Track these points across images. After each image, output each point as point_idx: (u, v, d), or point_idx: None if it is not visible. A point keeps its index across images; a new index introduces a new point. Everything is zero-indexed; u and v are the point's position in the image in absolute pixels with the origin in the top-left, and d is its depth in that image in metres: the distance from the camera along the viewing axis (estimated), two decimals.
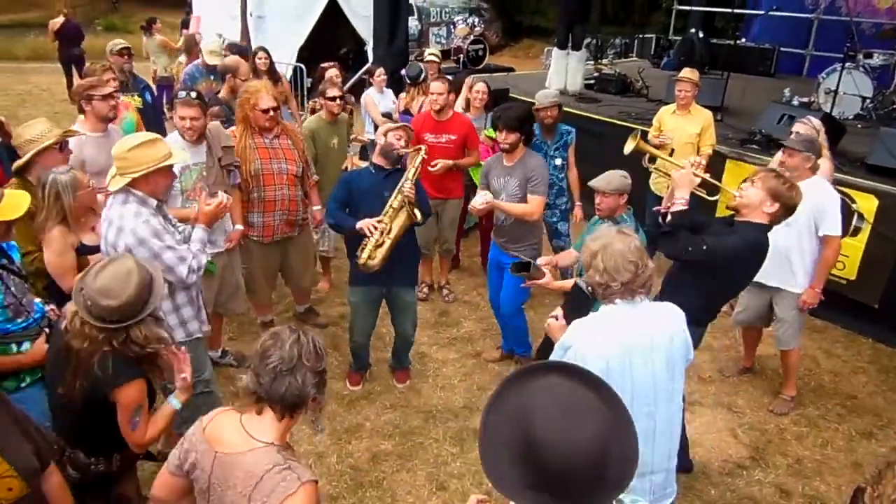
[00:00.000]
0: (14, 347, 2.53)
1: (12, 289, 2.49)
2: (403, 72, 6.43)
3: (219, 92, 5.40)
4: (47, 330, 2.57)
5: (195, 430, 1.88)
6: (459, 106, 5.60)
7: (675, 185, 3.12)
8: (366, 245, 3.69)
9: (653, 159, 3.75)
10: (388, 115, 6.06)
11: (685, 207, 3.02)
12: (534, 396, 1.37)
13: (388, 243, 3.70)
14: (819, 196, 3.80)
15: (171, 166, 2.86)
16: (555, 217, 5.16)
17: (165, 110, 7.71)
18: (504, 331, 4.57)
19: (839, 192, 4.93)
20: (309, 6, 10.45)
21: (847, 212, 5.02)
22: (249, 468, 1.73)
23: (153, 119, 5.61)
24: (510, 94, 8.09)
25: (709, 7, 10.51)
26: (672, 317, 2.33)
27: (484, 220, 5.59)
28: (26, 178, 3.18)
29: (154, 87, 7.70)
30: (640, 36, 12.22)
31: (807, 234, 3.87)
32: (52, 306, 2.69)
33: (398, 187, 3.73)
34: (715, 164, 5.68)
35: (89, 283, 2.12)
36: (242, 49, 6.86)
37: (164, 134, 4.03)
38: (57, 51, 10.67)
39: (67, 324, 2.17)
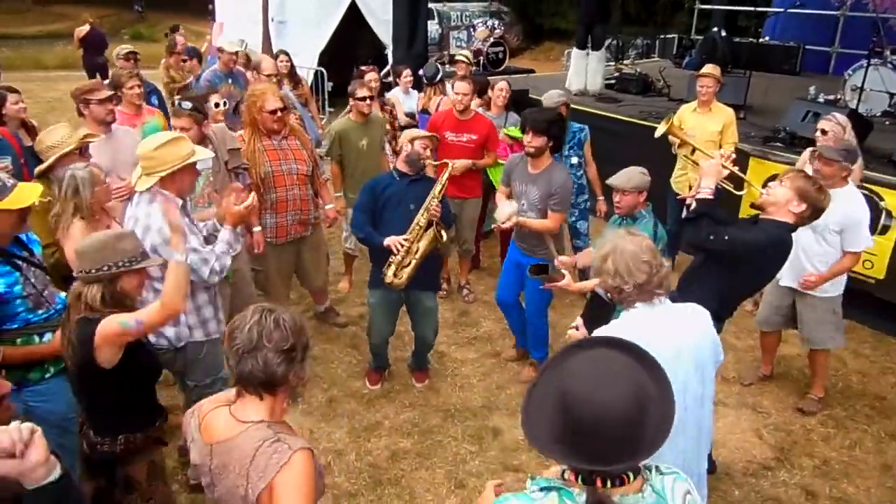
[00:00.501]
0: (36, 339, 2.58)
1: (32, 280, 2.54)
2: (421, 72, 6.45)
3: (239, 95, 5.47)
4: None
5: (191, 429, 1.90)
6: (475, 106, 5.60)
7: (703, 174, 3.07)
8: (391, 263, 3.73)
9: (682, 146, 3.68)
10: (411, 115, 6.09)
11: (710, 197, 2.97)
12: (574, 361, 1.39)
13: (414, 262, 3.74)
14: (849, 208, 3.71)
15: (195, 164, 2.89)
16: (574, 216, 5.13)
17: None
18: (514, 328, 4.54)
19: (867, 190, 4.90)
20: (330, 11, 10.53)
21: (875, 210, 4.94)
22: (242, 449, 1.75)
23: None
24: (530, 95, 8.08)
25: (731, 6, 10.36)
26: (698, 317, 2.27)
27: None
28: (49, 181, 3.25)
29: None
30: (663, 36, 12.15)
31: (832, 243, 3.79)
32: None
33: (425, 205, 3.75)
34: (738, 162, 5.52)
35: (82, 244, 2.27)
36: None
37: None
38: (82, 59, 10.88)
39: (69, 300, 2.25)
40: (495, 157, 5.12)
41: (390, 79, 7.21)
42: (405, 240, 3.70)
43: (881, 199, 4.92)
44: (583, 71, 7.76)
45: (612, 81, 8.29)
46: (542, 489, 1.40)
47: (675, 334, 2.18)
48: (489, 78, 6.14)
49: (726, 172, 3.15)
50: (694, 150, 3.66)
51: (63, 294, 2.71)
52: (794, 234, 3.60)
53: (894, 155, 5.28)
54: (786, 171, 3.15)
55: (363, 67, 6.12)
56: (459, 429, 3.88)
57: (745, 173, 5.70)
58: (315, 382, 4.23)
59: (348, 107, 4.99)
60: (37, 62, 16.73)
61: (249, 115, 4.09)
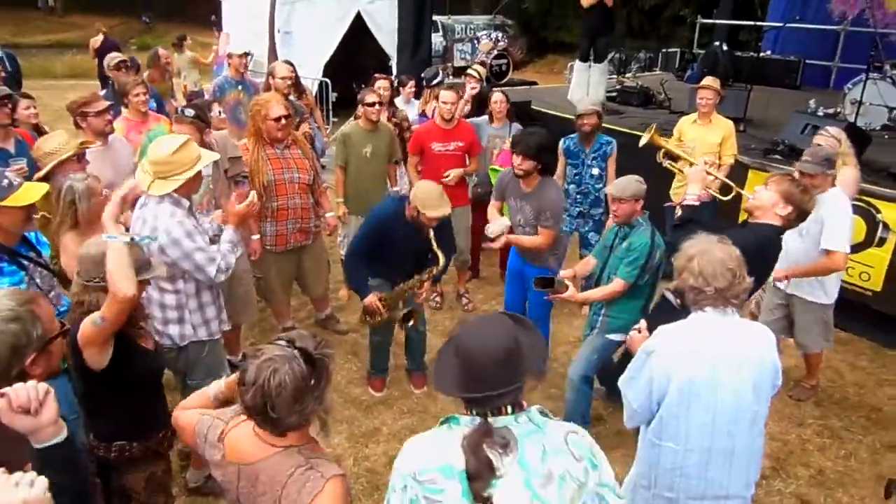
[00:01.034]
0: None
1: (38, 281, 2.60)
2: (422, 74, 6.55)
3: (248, 102, 5.55)
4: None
5: (208, 445, 1.87)
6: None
7: (688, 181, 3.14)
8: (365, 310, 4.02)
9: (667, 155, 3.75)
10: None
11: (696, 202, 3.03)
12: (466, 324, 1.78)
13: (383, 319, 3.99)
14: (834, 206, 3.77)
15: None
16: (587, 227, 5.18)
17: None
18: None
19: (864, 202, 4.94)
20: (335, 22, 10.63)
21: (872, 222, 4.98)
22: (273, 474, 1.73)
23: None
24: (532, 107, 8.15)
25: (732, 20, 10.45)
26: (765, 337, 2.32)
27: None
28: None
29: (184, 100, 7.91)
30: (665, 50, 12.23)
31: (812, 239, 3.83)
32: None
33: (411, 286, 3.90)
34: (738, 174, 5.64)
35: (83, 248, 2.30)
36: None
37: None
38: (97, 67, 11.02)
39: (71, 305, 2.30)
40: (477, 163, 5.23)
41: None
42: (384, 304, 3.92)
43: (878, 211, 4.96)
44: (585, 83, 7.82)
45: (614, 94, 8.37)
46: (441, 423, 1.72)
47: (740, 345, 2.23)
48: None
49: (711, 178, 3.20)
50: (677, 158, 3.71)
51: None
52: (787, 244, 3.65)
53: (892, 168, 5.32)
54: (770, 175, 3.21)
55: (376, 75, 6.18)
56: None
57: (744, 185, 5.78)
58: None
59: (357, 112, 5.07)
60: (45, 71, 16.91)
61: (254, 124, 4.15)
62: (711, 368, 2.18)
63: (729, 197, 3.69)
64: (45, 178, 3.32)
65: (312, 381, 1.67)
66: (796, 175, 3.78)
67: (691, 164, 3.33)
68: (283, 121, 4.10)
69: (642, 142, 3.77)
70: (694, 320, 2.26)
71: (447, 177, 4.90)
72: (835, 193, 3.84)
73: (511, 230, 4.10)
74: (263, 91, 5.71)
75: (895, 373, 4.71)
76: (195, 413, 1.99)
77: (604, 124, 5.16)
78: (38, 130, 4.48)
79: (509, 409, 1.63)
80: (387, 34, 10.72)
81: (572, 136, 5.25)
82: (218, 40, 11.15)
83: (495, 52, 11.58)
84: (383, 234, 3.85)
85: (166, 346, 3.01)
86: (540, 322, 4.35)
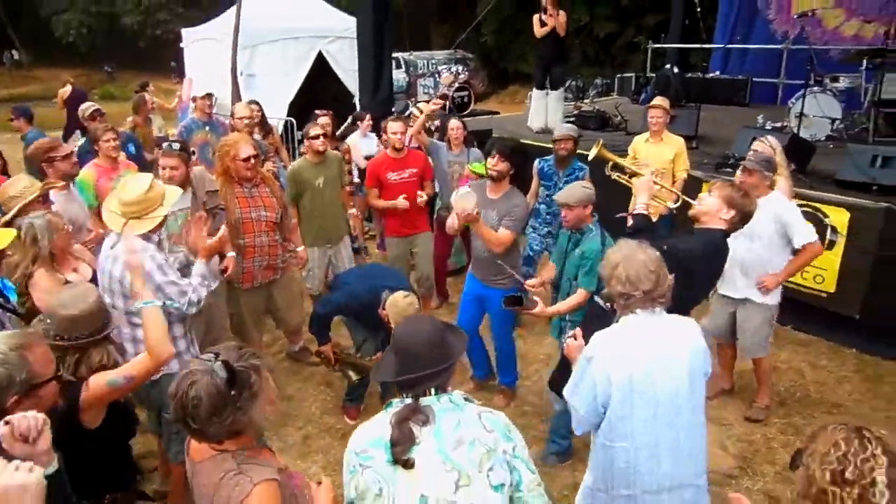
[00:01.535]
0: None
1: (7, 326, 2.62)
2: (393, 109, 6.76)
3: (216, 142, 5.64)
4: None
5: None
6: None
7: (636, 191, 3.29)
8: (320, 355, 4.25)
9: (615, 167, 3.90)
10: (369, 158, 6.33)
11: (645, 212, 3.18)
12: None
13: (333, 369, 4.25)
14: (780, 210, 3.96)
15: None
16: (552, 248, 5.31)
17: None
18: (474, 359, 4.65)
19: (812, 207, 5.18)
20: (298, 63, 10.85)
21: (820, 226, 5.20)
22: (206, 477, 1.80)
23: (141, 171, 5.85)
24: (493, 135, 8.36)
25: (681, 44, 10.89)
26: (691, 329, 2.46)
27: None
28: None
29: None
30: (620, 75, 12.65)
31: (773, 247, 4.00)
32: None
33: (367, 365, 4.06)
34: (692, 188, 5.84)
35: (50, 302, 2.32)
36: None
37: None
38: (66, 118, 11.02)
39: None
40: (433, 187, 5.39)
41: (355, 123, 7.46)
42: (336, 356, 4.16)
43: (825, 216, 5.19)
44: (543, 110, 8.08)
45: (572, 119, 8.62)
46: (384, 409, 1.96)
47: (671, 341, 2.36)
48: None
49: (657, 187, 3.36)
50: (626, 171, 3.87)
51: None
52: (736, 249, 3.83)
53: (836, 175, 5.57)
54: (713, 183, 3.37)
55: (316, 112, 6.50)
56: None
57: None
58: (289, 421, 4.29)
59: (302, 148, 5.22)
60: (6, 125, 16.80)
61: (222, 164, 4.20)
62: (647, 365, 2.30)
63: (677, 204, 3.85)
64: (10, 223, 3.36)
65: (233, 392, 1.70)
66: (738, 177, 3.99)
67: (639, 176, 3.48)
68: (252, 160, 4.17)
69: (591, 156, 3.94)
70: (626, 323, 2.37)
71: (418, 198, 5.06)
72: (777, 196, 4.04)
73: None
74: (231, 132, 5.82)
75: (853, 370, 4.88)
76: None
77: (593, 159, 5.35)
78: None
79: (433, 391, 1.91)
80: (348, 73, 10.96)
81: (548, 158, 5.42)
82: (180, 86, 11.28)
83: (457, 84, 11.89)
84: (352, 310, 4.11)
85: None
86: (505, 338, 4.46)
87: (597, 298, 3.12)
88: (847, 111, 7.40)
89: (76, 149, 5.18)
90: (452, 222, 4.13)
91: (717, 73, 10.97)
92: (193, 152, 4.98)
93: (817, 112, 7.10)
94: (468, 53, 19.18)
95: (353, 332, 4.32)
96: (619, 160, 3.87)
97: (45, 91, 12.06)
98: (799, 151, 5.88)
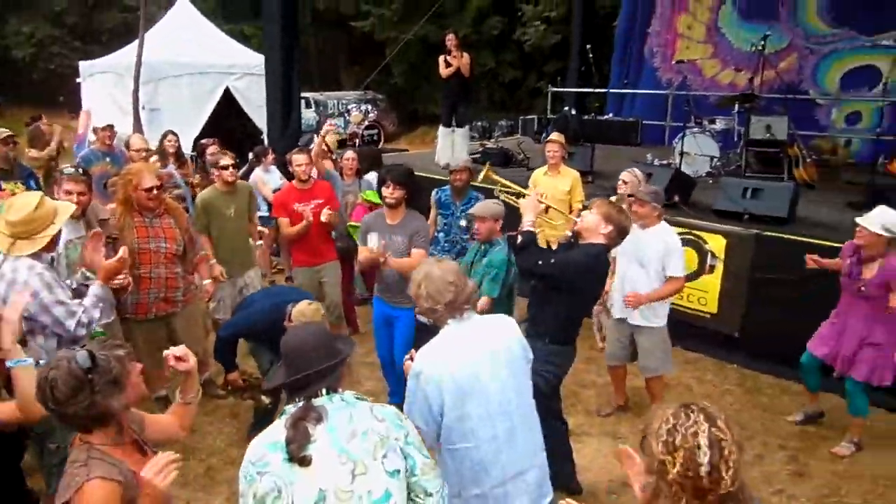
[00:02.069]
0: None
1: None
2: (299, 142, 6.85)
3: (116, 174, 5.49)
4: None
5: None
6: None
7: (523, 211, 3.53)
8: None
9: (503, 189, 4.16)
10: (276, 191, 6.38)
11: (532, 229, 3.41)
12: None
13: (244, 397, 4.24)
14: (668, 238, 4.33)
15: None
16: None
17: None
18: (394, 383, 4.69)
19: (693, 235, 5.64)
20: (204, 98, 10.75)
21: (701, 252, 5.68)
22: (67, 464, 1.92)
23: None
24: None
25: (578, 89, 11.62)
26: (503, 323, 2.64)
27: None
28: None
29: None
30: (523, 117, 13.28)
31: (658, 275, 4.33)
32: None
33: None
34: None
35: None
36: None
37: None
38: None
39: None
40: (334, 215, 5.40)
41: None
42: (245, 383, 4.13)
43: (705, 242, 5.67)
44: (449, 146, 8.38)
45: (477, 155, 8.97)
46: (281, 416, 2.00)
47: (487, 340, 2.52)
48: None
49: (543, 206, 3.62)
50: (514, 194, 4.15)
51: None
52: (623, 270, 4.13)
53: (713, 205, 6.11)
54: (592, 201, 3.67)
55: (202, 142, 6.64)
56: None
57: None
58: (193, 454, 4.16)
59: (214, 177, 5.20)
60: None
61: (124, 193, 4.11)
62: (471, 366, 2.44)
63: (560, 222, 4.13)
64: None
65: (91, 377, 1.85)
66: (624, 203, 4.33)
67: (524, 196, 3.73)
68: (155, 191, 4.10)
69: (479, 178, 4.22)
70: (442, 333, 2.52)
71: (324, 216, 5.12)
72: (666, 227, 4.41)
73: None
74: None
75: (735, 383, 5.30)
76: None
77: (482, 182, 5.59)
78: None
79: (324, 391, 1.97)
80: (256, 109, 10.96)
81: (445, 188, 5.63)
82: (72, 121, 10.87)
83: (366, 122, 12.09)
84: (257, 331, 4.05)
85: None
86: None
87: (419, 317, 3.27)
88: (723, 150, 8.13)
89: None
90: (364, 260, 4.26)
91: (611, 115, 11.74)
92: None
93: (697, 150, 7.77)
94: (378, 94, 19.55)
95: (260, 359, 4.28)
96: (506, 182, 4.14)
97: None
98: (681, 185, 6.42)
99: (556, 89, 12.63)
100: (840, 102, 9.52)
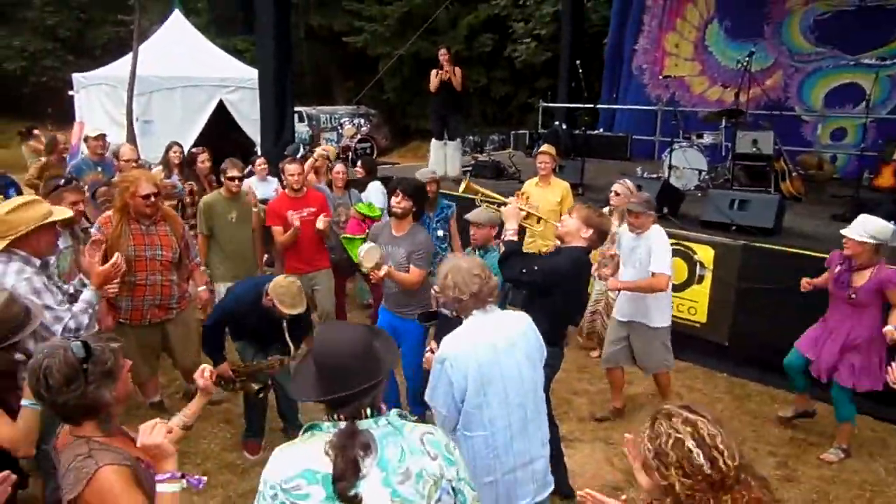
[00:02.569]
0: None
1: None
2: (285, 151, 6.91)
3: (106, 183, 5.53)
4: None
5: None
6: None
7: (504, 219, 3.60)
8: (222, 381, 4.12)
9: (485, 198, 4.21)
10: (264, 202, 6.41)
11: (514, 238, 3.47)
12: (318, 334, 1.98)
13: (237, 389, 4.17)
14: (658, 239, 4.43)
15: (52, 224, 2.98)
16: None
17: None
18: (394, 392, 4.69)
19: (682, 246, 5.73)
20: (197, 110, 10.80)
21: (690, 263, 5.77)
22: (64, 461, 1.89)
23: None
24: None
25: (568, 104, 11.79)
26: (522, 318, 2.74)
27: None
28: None
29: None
30: (515, 132, 13.43)
31: (647, 272, 4.42)
32: None
33: (262, 367, 4.07)
34: None
35: None
36: None
37: None
38: None
39: None
40: (329, 222, 5.45)
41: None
42: (236, 374, 4.07)
43: (694, 252, 5.75)
44: (441, 159, 8.46)
45: (469, 168, 9.08)
46: (303, 432, 1.80)
47: (508, 330, 2.63)
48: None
49: (524, 213, 3.68)
50: (495, 203, 4.21)
51: None
52: (621, 272, 4.20)
53: (701, 216, 6.22)
54: (573, 206, 3.75)
55: (193, 150, 6.74)
56: None
57: None
58: (187, 459, 4.16)
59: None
60: None
61: (121, 200, 4.13)
62: (492, 354, 2.55)
63: (541, 228, 4.18)
64: None
65: (86, 366, 1.87)
66: (627, 219, 4.44)
67: (505, 205, 3.77)
68: (152, 198, 4.12)
69: (461, 190, 4.29)
70: (467, 323, 2.65)
71: (320, 223, 5.18)
72: (657, 229, 4.50)
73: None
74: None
75: (724, 391, 5.36)
76: None
77: (463, 193, 5.64)
78: None
79: (369, 411, 1.74)
80: (250, 122, 11.00)
81: None
82: (57, 133, 10.86)
83: (359, 136, 12.17)
84: (240, 315, 4.01)
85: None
86: (415, 367, 4.55)
87: (443, 310, 3.34)
88: (711, 164, 8.27)
89: None
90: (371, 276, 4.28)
91: (601, 130, 11.91)
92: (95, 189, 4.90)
93: (686, 164, 7.91)
94: (371, 109, 19.68)
95: (244, 356, 4.25)
96: (486, 192, 4.20)
97: None
98: (670, 197, 6.53)
99: (546, 104, 12.81)
100: (825, 119, 9.72)
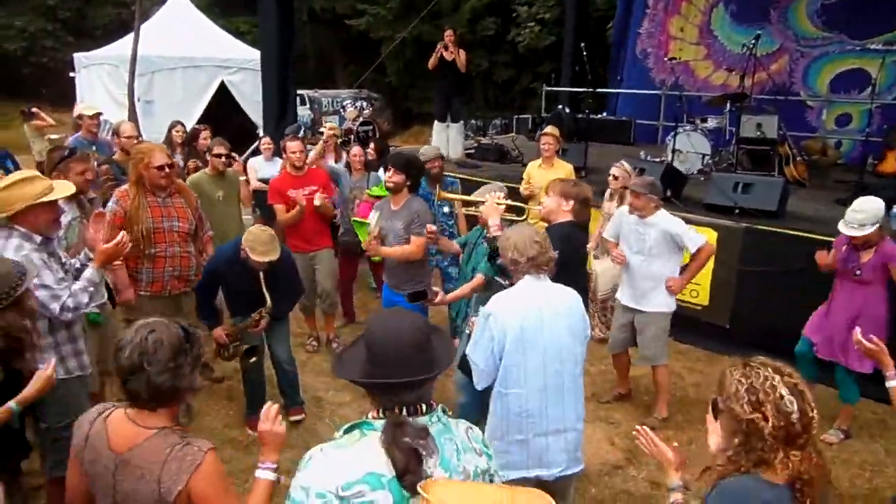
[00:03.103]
0: None
1: None
2: (286, 131, 6.91)
3: (105, 161, 5.51)
4: None
5: (92, 439, 1.88)
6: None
7: (485, 216, 3.59)
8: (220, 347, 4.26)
9: (464, 204, 4.16)
10: (264, 181, 6.42)
11: (500, 233, 3.31)
12: (372, 321, 1.86)
13: (231, 353, 4.27)
14: (668, 225, 4.39)
15: (52, 202, 2.96)
16: (446, 261, 5.52)
17: None
18: None
19: None
20: (198, 91, 10.77)
21: None
22: (151, 455, 1.79)
23: None
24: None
25: (571, 88, 11.73)
26: (571, 292, 2.79)
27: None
28: None
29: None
30: (517, 116, 13.38)
31: (663, 258, 4.42)
32: None
33: (247, 325, 4.14)
34: None
35: None
36: None
37: None
38: None
39: None
40: (332, 207, 5.48)
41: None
42: (229, 337, 4.22)
43: None
44: (444, 141, 8.44)
45: (472, 151, 9.05)
46: (345, 431, 1.66)
47: (556, 301, 2.71)
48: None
49: (503, 207, 3.62)
50: (472, 204, 4.15)
51: None
52: (630, 262, 4.18)
53: (704, 200, 6.20)
54: (547, 184, 3.74)
55: (195, 126, 6.69)
56: None
57: (589, 221, 6.48)
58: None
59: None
60: None
61: (136, 172, 4.15)
62: (537, 316, 2.64)
63: (524, 217, 4.06)
64: None
65: (188, 345, 1.82)
66: (627, 200, 4.40)
67: (482, 203, 3.71)
68: (166, 169, 4.16)
69: (436, 198, 4.26)
70: (518, 286, 2.74)
71: (315, 203, 5.19)
72: (663, 214, 4.47)
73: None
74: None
75: None
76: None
77: (464, 176, 5.67)
78: None
79: (424, 407, 1.63)
80: (252, 104, 10.97)
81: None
82: (52, 114, 10.80)
83: (361, 119, 12.11)
84: (220, 273, 4.10)
85: None
86: None
87: (498, 278, 3.39)
88: (715, 148, 8.23)
89: None
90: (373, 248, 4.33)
91: (605, 115, 11.85)
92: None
93: (690, 148, 7.88)
94: (373, 93, 19.58)
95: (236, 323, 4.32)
96: (461, 197, 4.12)
97: None
98: (672, 180, 6.50)
99: (550, 88, 12.74)
100: (830, 104, 9.66)
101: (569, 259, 3.44)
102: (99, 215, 3.29)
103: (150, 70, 10.31)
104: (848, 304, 4.28)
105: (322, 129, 7.51)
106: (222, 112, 11.07)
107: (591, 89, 9.44)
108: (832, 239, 4.52)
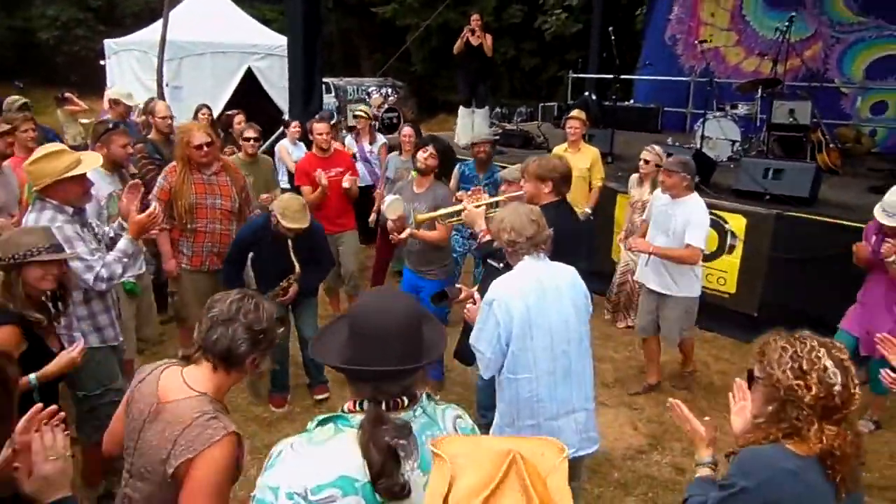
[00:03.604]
0: None
1: None
2: (317, 115, 6.91)
3: (140, 140, 5.58)
4: None
5: (147, 382, 1.92)
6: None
7: (470, 224, 3.52)
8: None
9: (443, 217, 3.99)
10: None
11: (489, 238, 3.19)
12: (362, 298, 1.74)
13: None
14: (692, 212, 4.31)
15: (81, 176, 3.00)
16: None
17: None
18: None
19: (714, 215, 5.62)
20: (226, 77, 10.82)
21: (722, 232, 5.66)
22: (180, 414, 1.80)
23: None
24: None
25: (598, 74, 11.58)
26: (571, 270, 2.75)
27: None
28: None
29: None
30: (543, 104, 13.26)
31: (681, 242, 4.34)
32: None
33: (275, 293, 4.06)
34: (608, 198, 6.29)
35: None
36: None
37: None
38: None
39: None
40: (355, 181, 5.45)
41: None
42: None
43: (726, 222, 5.64)
44: (469, 127, 8.39)
45: (497, 137, 8.96)
46: (318, 423, 1.49)
47: (557, 278, 2.65)
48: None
49: (482, 208, 3.49)
50: (452, 214, 4.01)
51: None
52: (651, 239, 4.11)
53: (733, 186, 6.09)
54: (522, 169, 3.59)
55: (228, 112, 6.74)
56: None
57: (614, 208, 6.42)
58: None
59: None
60: None
61: (181, 150, 4.29)
62: (540, 299, 2.58)
63: (497, 210, 3.86)
64: None
65: (274, 327, 1.94)
66: (660, 178, 4.33)
67: (462, 211, 3.59)
68: (206, 147, 4.25)
69: (413, 223, 4.18)
70: (518, 268, 2.67)
71: (346, 182, 5.25)
72: (697, 199, 4.39)
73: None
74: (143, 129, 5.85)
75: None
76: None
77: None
78: None
79: (405, 401, 1.47)
80: (278, 90, 11.00)
81: (468, 161, 5.66)
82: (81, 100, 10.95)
83: (386, 105, 12.11)
84: (250, 243, 4.11)
85: (54, 352, 2.97)
86: None
87: (489, 260, 3.29)
88: (745, 134, 8.07)
89: None
90: (392, 231, 4.30)
91: (632, 102, 11.69)
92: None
93: (720, 134, 7.73)
94: (398, 81, 19.55)
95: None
96: (438, 213, 3.93)
97: None
98: (701, 166, 6.36)
99: (576, 75, 12.60)
100: (866, 91, 9.41)
101: (567, 240, 3.35)
102: (134, 186, 3.35)
103: (179, 56, 10.37)
104: (881, 298, 4.14)
105: (353, 113, 7.48)
106: (249, 98, 11.11)
107: (617, 75, 9.34)
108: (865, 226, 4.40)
